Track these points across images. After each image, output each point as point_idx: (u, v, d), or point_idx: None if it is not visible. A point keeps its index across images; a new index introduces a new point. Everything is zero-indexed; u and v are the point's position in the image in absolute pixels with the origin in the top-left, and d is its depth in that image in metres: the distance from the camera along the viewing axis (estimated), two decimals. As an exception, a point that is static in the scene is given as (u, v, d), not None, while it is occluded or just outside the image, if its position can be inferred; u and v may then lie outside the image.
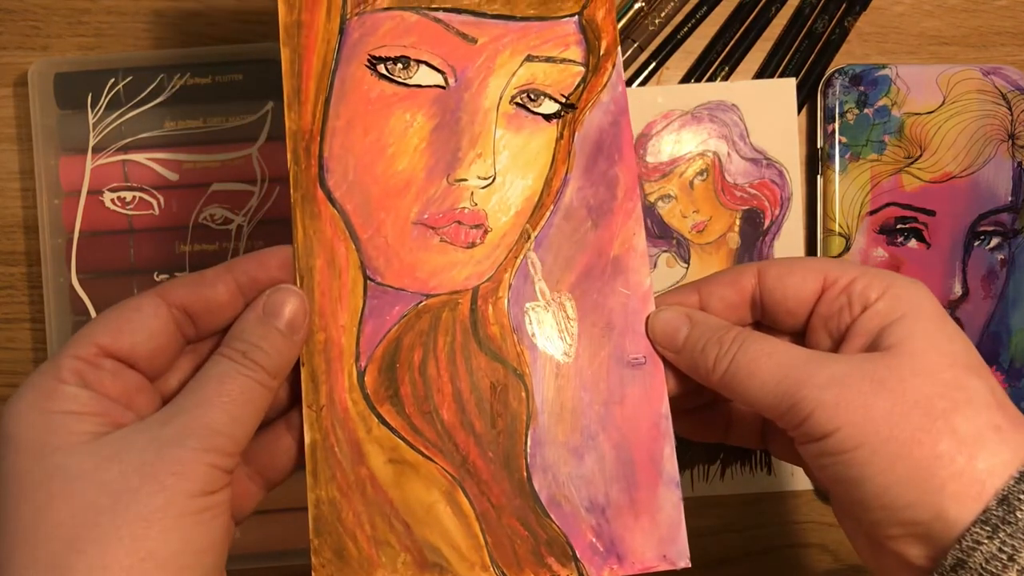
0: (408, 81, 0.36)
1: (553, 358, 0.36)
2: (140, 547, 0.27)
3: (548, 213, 0.37)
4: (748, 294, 0.36)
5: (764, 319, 0.36)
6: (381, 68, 0.36)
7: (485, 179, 0.36)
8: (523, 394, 0.36)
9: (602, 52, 0.38)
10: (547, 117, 0.37)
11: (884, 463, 0.29)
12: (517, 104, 0.37)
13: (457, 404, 0.35)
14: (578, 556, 0.35)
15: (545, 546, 0.35)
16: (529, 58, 0.37)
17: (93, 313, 0.48)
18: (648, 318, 0.36)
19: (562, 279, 0.36)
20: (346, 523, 0.34)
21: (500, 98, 0.37)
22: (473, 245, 0.36)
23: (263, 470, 0.35)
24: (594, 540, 0.35)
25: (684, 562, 0.36)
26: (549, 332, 0.36)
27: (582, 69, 0.37)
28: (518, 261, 0.36)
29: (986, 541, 0.27)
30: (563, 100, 0.37)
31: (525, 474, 0.35)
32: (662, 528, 0.35)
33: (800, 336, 0.36)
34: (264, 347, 0.32)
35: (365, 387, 0.35)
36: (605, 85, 0.37)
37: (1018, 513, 0.27)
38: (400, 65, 0.36)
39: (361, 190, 0.36)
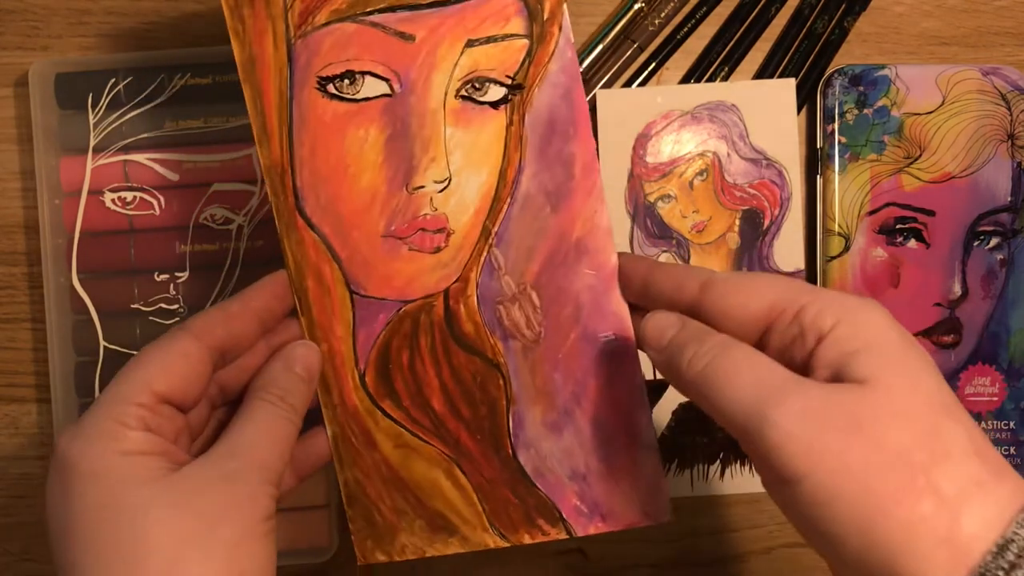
0: (356, 96, 0.37)
1: (525, 347, 0.39)
2: (234, 566, 0.31)
3: (506, 206, 0.38)
4: (687, 301, 0.34)
5: None
6: (330, 88, 0.37)
7: (441, 182, 0.38)
8: (500, 382, 0.39)
9: (546, 16, 0.37)
10: (494, 104, 0.37)
11: (865, 522, 0.27)
12: (463, 97, 0.37)
13: (444, 395, 0.39)
14: (564, 517, 0.39)
15: (535, 510, 0.39)
16: (469, 43, 0.37)
17: (93, 313, 0.48)
18: (644, 319, 0.35)
19: (526, 270, 0.38)
20: (371, 497, 0.40)
21: (445, 95, 0.37)
22: (439, 249, 0.38)
23: (299, 467, 0.39)
24: (578, 503, 0.39)
25: (665, 517, 0.39)
26: (518, 323, 0.39)
27: (526, 41, 0.37)
28: (482, 258, 0.38)
29: None
30: (509, 82, 0.37)
31: (510, 451, 0.39)
32: (642, 489, 0.39)
33: None
34: (293, 391, 0.37)
35: (367, 386, 0.39)
36: (553, 54, 0.37)
37: None
38: (347, 81, 0.37)
39: (333, 212, 0.38)
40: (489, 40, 0.37)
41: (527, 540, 0.39)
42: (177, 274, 0.49)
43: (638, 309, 0.38)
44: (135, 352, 0.35)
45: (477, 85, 0.37)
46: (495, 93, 0.37)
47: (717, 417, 0.31)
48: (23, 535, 0.51)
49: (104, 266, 0.49)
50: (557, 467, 0.39)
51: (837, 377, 0.30)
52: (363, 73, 0.37)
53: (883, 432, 0.28)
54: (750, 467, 0.51)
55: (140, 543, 0.30)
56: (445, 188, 0.38)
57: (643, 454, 0.39)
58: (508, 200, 0.38)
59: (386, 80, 0.37)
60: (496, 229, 0.38)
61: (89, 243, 0.49)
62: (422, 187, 0.38)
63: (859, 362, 0.29)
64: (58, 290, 0.49)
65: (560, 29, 0.37)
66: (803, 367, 0.31)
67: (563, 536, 0.39)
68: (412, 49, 0.37)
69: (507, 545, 0.39)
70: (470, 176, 0.38)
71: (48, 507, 0.32)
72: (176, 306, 0.49)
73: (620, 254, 0.38)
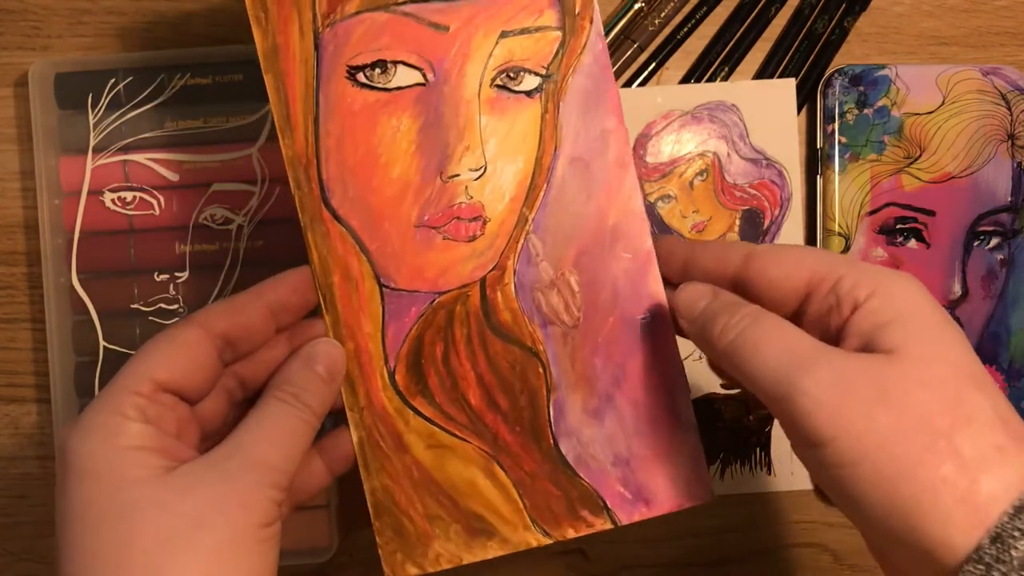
0: (388, 86, 0.37)
1: (564, 333, 0.38)
2: (214, 572, 0.30)
3: (542, 193, 0.38)
4: (730, 274, 0.35)
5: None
6: (360, 77, 0.37)
7: (476, 170, 0.37)
8: (540, 370, 0.38)
9: (578, 10, 0.38)
10: (529, 93, 0.38)
11: (888, 484, 0.28)
12: (498, 87, 0.37)
13: (481, 388, 0.38)
14: (608, 506, 0.38)
15: (578, 502, 0.38)
16: (503, 34, 0.37)
17: (93, 313, 0.48)
18: (677, 291, 0.36)
19: (564, 256, 0.38)
20: (400, 505, 0.38)
21: (480, 84, 0.37)
22: (474, 238, 0.38)
23: (331, 462, 0.38)
24: (622, 490, 0.38)
25: (708, 498, 0.38)
26: (557, 309, 0.38)
27: (559, 33, 0.37)
28: (519, 245, 0.38)
29: None
30: (543, 72, 0.37)
31: (552, 441, 0.38)
32: (684, 471, 0.38)
33: None
34: (310, 390, 0.35)
35: (397, 385, 0.38)
36: (585, 46, 0.38)
37: (1012, 552, 0.26)
38: (378, 70, 0.37)
39: (363, 204, 0.37)
40: (523, 31, 0.37)
41: (571, 534, 0.38)
42: (177, 274, 0.49)
43: (672, 286, 0.38)
44: (135, 353, 0.34)
45: (512, 74, 0.37)
46: (530, 82, 0.37)
47: (748, 384, 0.32)
48: (23, 535, 0.51)
49: (104, 266, 0.49)
50: (600, 454, 0.38)
51: (867, 346, 0.31)
52: (395, 62, 0.37)
53: (907, 399, 0.29)
54: (750, 467, 0.51)
55: (124, 546, 0.29)
56: (481, 176, 0.37)
57: (683, 434, 0.38)
58: (544, 187, 0.38)
59: (419, 69, 0.37)
60: (533, 216, 0.38)
61: (89, 243, 0.49)
62: (457, 175, 0.37)
63: (889, 332, 0.30)
64: (58, 290, 0.49)
65: (591, 23, 0.38)
66: (837, 336, 0.32)
67: (608, 526, 0.38)
68: (446, 39, 0.37)
69: (550, 542, 0.38)
70: (505, 164, 0.38)
71: (55, 501, 0.31)
72: (176, 306, 0.49)
73: (659, 236, 0.39)
